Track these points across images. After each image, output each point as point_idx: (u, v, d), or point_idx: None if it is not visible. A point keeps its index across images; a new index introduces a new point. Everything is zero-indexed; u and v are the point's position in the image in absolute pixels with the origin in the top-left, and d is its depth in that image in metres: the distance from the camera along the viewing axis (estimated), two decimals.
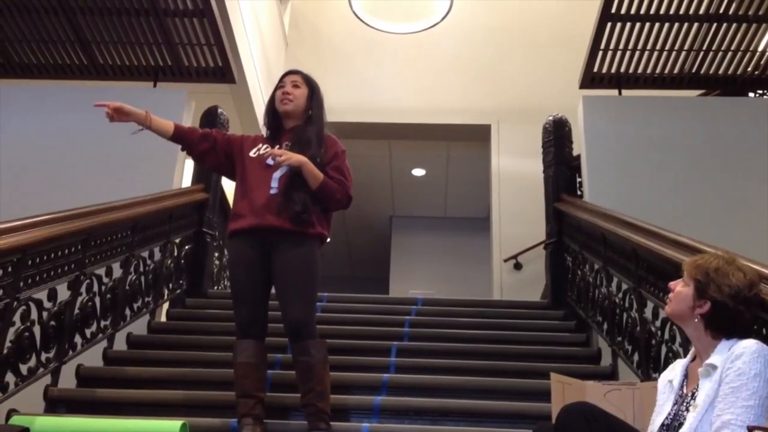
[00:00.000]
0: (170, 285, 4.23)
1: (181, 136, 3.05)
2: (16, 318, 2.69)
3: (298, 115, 3.06)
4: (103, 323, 3.42)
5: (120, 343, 3.67)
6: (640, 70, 5.15)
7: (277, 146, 2.99)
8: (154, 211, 3.83)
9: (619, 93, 5.17)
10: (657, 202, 4.51)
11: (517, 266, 6.87)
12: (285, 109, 3.05)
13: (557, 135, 4.81)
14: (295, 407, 2.93)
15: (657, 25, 4.83)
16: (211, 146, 3.07)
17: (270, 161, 2.95)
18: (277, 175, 2.92)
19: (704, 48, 4.97)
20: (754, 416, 1.72)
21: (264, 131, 3.21)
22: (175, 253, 4.30)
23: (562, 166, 4.78)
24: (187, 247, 4.45)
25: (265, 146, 3.04)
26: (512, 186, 7.07)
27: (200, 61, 5.13)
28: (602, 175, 4.69)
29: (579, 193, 4.85)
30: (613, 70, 5.13)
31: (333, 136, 3.09)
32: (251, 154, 3.03)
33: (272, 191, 2.89)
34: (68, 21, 4.91)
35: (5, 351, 2.62)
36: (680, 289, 2.00)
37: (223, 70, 5.13)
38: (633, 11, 4.75)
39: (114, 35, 4.99)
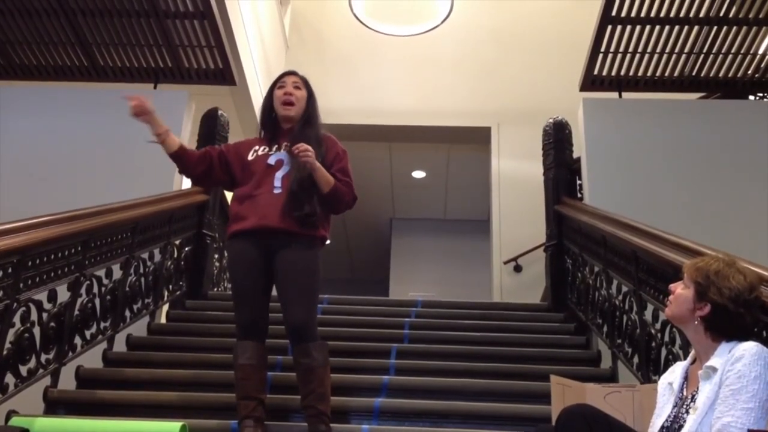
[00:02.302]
0: (170, 286, 4.23)
1: (179, 156, 2.97)
2: (16, 319, 2.69)
3: (297, 118, 3.06)
4: (102, 325, 3.42)
5: (120, 345, 3.67)
6: (640, 73, 5.14)
7: (275, 147, 3.00)
8: (155, 213, 3.83)
9: (620, 95, 5.17)
10: (657, 204, 4.50)
11: (517, 268, 6.87)
12: (288, 115, 3.04)
13: (557, 137, 4.82)
14: (295, 409, 2.93)
15: (657, 27, 4.84)
16: (208, 167, 3.02)
17: (271, 161, 2.96)
18: (279, 174, 2.92)
19: (704, 51, 4.97)
20: (754, 419, 1.72)
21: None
22: (175, 255, 4.30)
23: (563, 168, 4.79)
24: (187, 249, 4.45)
25: (263, 147, 3.04)
26: (512, 188, 7.07)
27: (200, 63, 5.12)
28: (602, 178, 4.69)
29: (579, 195, 4.85)
30: (613, 73, 5.13)
31: (332, 137, 3.09)
32: (249, 157, 3.02)
33: (276, 191, 2.89)
34: (69, 23, 4.91)
35: (5, 352, 2.62)
36: (680, 291, 2.00)
37: (224, 72, 5.13)
38: (633, 14, 4.76)
39: (114, 37, 4.99)
